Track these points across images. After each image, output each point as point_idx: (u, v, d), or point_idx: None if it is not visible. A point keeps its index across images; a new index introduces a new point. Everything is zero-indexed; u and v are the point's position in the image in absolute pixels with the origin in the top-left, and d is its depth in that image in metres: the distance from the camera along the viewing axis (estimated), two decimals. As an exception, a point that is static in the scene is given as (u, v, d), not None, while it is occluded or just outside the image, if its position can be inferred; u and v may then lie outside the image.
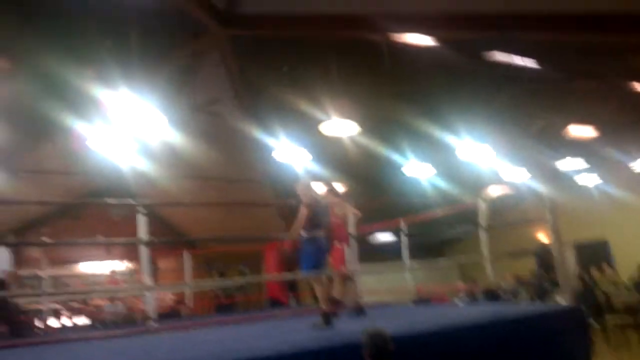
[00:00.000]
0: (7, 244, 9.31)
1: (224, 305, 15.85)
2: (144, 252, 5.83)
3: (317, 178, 12.20)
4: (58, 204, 15.67)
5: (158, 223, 16.46)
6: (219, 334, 6.05)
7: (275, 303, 14.29)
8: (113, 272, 14.00)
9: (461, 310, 7.01)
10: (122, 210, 16.66)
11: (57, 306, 13.25)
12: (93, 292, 13.80)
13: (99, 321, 12.73)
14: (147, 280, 6.57)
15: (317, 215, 5.83)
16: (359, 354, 3.48)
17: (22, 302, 10.20)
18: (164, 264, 17.45)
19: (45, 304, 11.98)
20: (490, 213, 7.85)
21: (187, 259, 12.48)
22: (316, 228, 5.79)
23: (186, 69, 9.76)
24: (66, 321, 13.37)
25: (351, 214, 7.61)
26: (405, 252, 8.88)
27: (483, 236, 7.67)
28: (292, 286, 14.82)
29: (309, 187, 6.02)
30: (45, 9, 7.93)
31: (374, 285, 11.10)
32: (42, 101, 9.18)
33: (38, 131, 10.46)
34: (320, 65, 9.56)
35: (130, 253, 16.75)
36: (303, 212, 5.71)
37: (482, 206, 7.81)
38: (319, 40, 9.54)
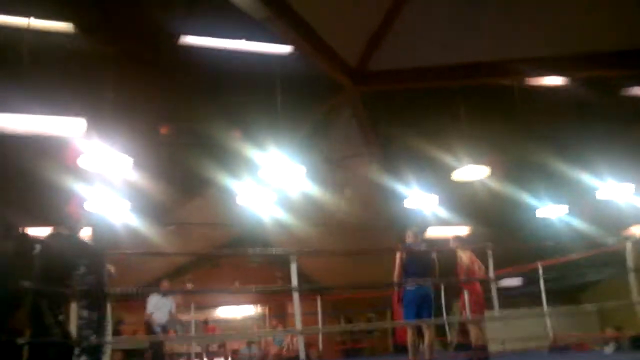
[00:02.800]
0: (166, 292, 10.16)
1: (351, 350, 15.99)
2: (296, 298, 6.23)
3: (445, 223, 12.25)
4: (200, 255, 16.80)
5: (287, 270, 17.11)
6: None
7: (402, 348, 14.20)
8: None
9: (606, 358, 6.70)
10: (256, 259, 17.51)
11: (199, 349, 14.08)
12: (236, 335, 14.54)
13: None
14: (299, 324, 6.95)
15: (413, 262, 5.98)
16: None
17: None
18: (293, 309, 17.93)
19: (191, 347, 12.84)
20: (636, 254, 7.49)
21: (319, 304, 12.84)
22: (414, 276, 5.96)
23: (322, 124, 10.41)
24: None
25: (476, 266, 7.53)
26: (542, 297, 8.65)
27: (632, 279, 7.31)
28: (420, 331, 14.70)
29: (414, 236, 6.31)
30: (201, 78, 8.94)
31: (504, 332, 10.73)
32: (195, 161, 10.17)
33: (190, 187, 11.51)
34: (449, 111, 9.79)
35: (261, 298, 17.51)
36: (397, 259, 5.89)
37: (629, 246, 7.47)
38: (447, 88, 9.80)
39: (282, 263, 15.25)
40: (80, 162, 7.59)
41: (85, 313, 3.73)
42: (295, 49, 8.37)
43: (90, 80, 8.49)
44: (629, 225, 13.22)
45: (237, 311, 18.25)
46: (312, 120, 10.14)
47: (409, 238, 6.51)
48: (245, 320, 18.11)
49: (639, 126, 11.06)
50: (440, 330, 9.42)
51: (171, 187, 10.77)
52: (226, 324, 18.08)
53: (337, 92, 9.62)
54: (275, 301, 17.27)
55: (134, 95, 8.70)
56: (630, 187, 11.16)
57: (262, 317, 18.31)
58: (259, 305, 18.71)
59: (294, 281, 6.43)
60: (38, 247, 4.06)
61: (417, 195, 10.86)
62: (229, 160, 9.65)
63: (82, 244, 4.01)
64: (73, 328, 3.70)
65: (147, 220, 11.50)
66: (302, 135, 10.09)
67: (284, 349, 13.96)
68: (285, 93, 8.51)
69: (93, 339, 3.69)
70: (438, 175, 10.18)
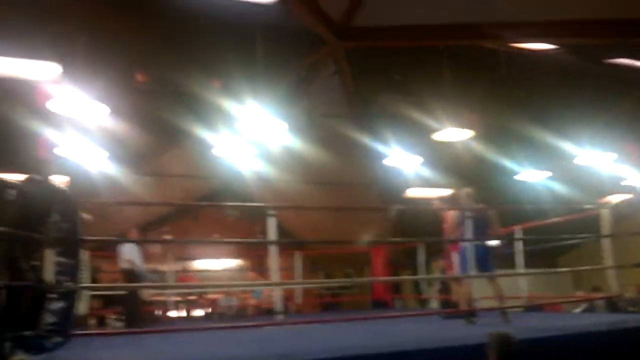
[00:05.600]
0: (137, 241, 10.13)
1: (329, 304, 16.24)
2: (273, 251, 6.26)
3: (427, 184, 12.30)
4: (178, 205, 16.74)
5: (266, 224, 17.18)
6: (344, 330, 6.26)
7: (380, 304, 14.46)
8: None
9: (578, 319, 6.87)
10: (235, 212, 17.51)
11: (177, 299, 14.21)
12: (216, 286, 14.69)
13: (215, 314, 13.58)
14: (275, 277, 7.02)
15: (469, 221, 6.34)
16: (482, 355, 3.61)
17: (147, 294, 11.13)
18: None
19: (168, 297, 12.95)
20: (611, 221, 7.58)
21: (297, 259, 12.96)
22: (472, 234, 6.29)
23: (303, 79, 10.21)
24: (184, 313, 14.29)
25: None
26: (519, 258, 8.78)
27: (607, 245, 7.41)
28: (397, 288, 15.03)
29: (468, 196, 6.63)
30: (179, 26, 8.66)
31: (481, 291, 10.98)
32: (172, 111, 9.99)
33: (167, 137, 11.35)
34: (432, 73, 9.63)
35: (241, 251, 17.59)
36: (452, 217, 6.29)
37: (606, 213, 7.54)
38: (432, 49, 9.62)
39: (261, 218, 15.30)
40: (50, 106, 7.39)
41: (60, 259, 3.70)
42: (279, 0, 8.11)
43: (65, 25, 8.20)
44: (609, 193, 13.37)
45: (216, 264, 18.34)
46: (292, 75, 9.94)
47: (464, 199, 6.72)
48: (223, 272, 18.21)
49: (625, 96, 11.03)
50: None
51: (148, 137, 10.61)
52: (204, 275, 18.22)
53: (319, 48, 9.40)
54: (254, 255, 17.40)
55: (109, 41, 8.44)
56: (611, 156, 11.21)
57: (241, 270, 18.44)
58: (238, 259, 18.82)
59: (271, 234, 6.48)
60: (13, 192, 3.98)
61: (398, 155, 10.82)
62: (206, 111, 9.47)
63: (56, 190, 3.92)
64: (47, 275, 3.67)
65: (124, 170, 11.37)
66: (283, 89, 9.90)
67: (261, 302, 14.15)
68: (266, 45, 8.29)
69: (68, 284, 3.66)
70: (419, 136, 10.11)
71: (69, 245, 3.79)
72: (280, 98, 9.29)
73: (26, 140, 8.22)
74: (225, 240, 17.45)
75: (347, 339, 5.07)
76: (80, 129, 8.46)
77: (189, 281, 15.77)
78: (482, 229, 6.34)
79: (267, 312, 13.08)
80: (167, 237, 16.55)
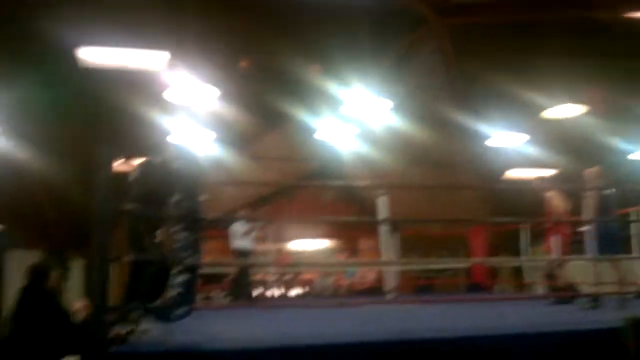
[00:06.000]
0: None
1: (423, 286, 16.06)
2: (383, 231, 6.28)
3: (533, 164, 11.76)
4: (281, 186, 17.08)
5: (358, 205, 17.21)
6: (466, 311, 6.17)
7: (478, 288, 14.11)
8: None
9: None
10: (331, 194, 17.68)
11: (275, 278, 14.59)
12: (328, 265, 14.95)
13: (311, 293, 13.81)
14: (387, 256, 7.02)
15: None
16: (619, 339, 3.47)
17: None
18: (365, 244, 18.20)
19: (266, 276, 13.31)
20: None
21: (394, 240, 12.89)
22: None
23: (404, 59, 10.08)
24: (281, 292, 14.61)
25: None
26: (635, 242, 8.31)
27: None
28: (495, 273, 14.57)
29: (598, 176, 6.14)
30: (282, 12, 8.80)
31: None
32: (274, 94, 10.20)
33: (269, 121, 11.62)
34: (541, 47, 9.20)
35: (335, 232, 17.70)
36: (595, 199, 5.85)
37: None
38: (538, 22, 9.17)
39: (358, 200, 15.32)
40: (167, 94, 7.79)
41: (182, 235, 3.92)
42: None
43: (174, 13, 8.56)
44: None
45: (310, 245, 18.60)
46: (394, 54, 9.82)
47: (594, 179, 6.28)
48: (318, 253, 18.44)
49: None
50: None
51: (252, 119, 10.88)
52: (301, 256, 18.54)
53: (420, 26, 9.23)
54: (348, 236, 17.49)
55: (216, 28, 8.72)
56: None
57: (335, 251, 18.59)
58: (332, 240, 18.97)
59: (382, 214, 6.48)
60: (136, 172, 4.34)
61: (502, 134, 10.46)
62: (309, 94, 9.59)
63: (176, 171, 4.17)
64: (171, 250, 3.93)
65: (228, 151, 11.76)
66: (385, 69, 9.80)
67: (354, 282, 14.19)
68: (369, 26, 8.25)
69: (191, 259, 3.89)
70: (526, 114, 9.69)
71: (191, 222, 3.95)
72: (383, 77, 9.21)
73: (145, 126, 8.70)
74: (326, 219, 17.70)
75: (470, 320, 5.01)
76: (192, 114, 8.87)
77: (286, 261, 16.17)
78: (607, 210, 5.98)
79: (360, 292, 13.14)
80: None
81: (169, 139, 8.83)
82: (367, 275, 15.51)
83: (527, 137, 10.49)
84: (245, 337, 4.27)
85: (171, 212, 3.91)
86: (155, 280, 3.90)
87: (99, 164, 2.88)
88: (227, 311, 6.82)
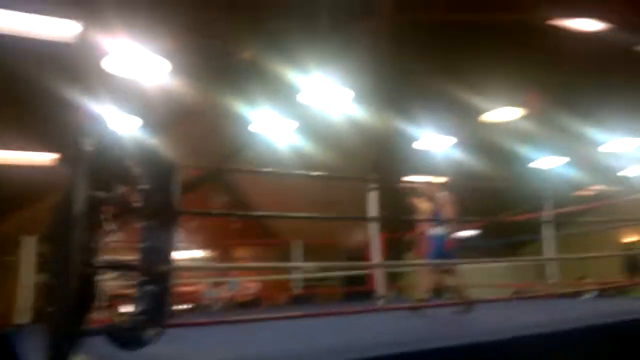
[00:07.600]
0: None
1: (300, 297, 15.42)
2: (374, 228, 5.81)
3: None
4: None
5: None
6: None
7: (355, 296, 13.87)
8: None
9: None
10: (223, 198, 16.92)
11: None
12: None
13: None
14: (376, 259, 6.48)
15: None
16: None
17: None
18: (240, 254, 17.65)
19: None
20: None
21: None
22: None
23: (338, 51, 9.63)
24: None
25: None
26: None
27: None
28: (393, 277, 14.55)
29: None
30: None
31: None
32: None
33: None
34: (476, 49, 9.28)
35: (209, 241, 16.65)
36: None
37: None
38: (474, 25, 9.25)
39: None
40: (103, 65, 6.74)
41: (150, 235, 3.09)
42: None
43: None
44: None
45: (185, 254, 17.24)
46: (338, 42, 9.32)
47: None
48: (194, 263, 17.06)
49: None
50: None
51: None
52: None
53: (364, 19, 8.87)
54: (223, 246, 16.83)
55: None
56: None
57: (210, 260, 17.37)
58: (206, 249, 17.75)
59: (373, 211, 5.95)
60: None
61: (430, 136, 10.46)
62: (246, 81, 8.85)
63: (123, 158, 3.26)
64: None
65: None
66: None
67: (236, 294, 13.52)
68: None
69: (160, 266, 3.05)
70: (462, 117, 9.74)
71: (162, 219, 3.12)
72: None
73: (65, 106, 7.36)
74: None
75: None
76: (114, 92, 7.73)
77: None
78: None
79: (242, 305, 12.61)
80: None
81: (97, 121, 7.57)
82: (249, 287, 14.85)
83: (454, 140, 10.60)
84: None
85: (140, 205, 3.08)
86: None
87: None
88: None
